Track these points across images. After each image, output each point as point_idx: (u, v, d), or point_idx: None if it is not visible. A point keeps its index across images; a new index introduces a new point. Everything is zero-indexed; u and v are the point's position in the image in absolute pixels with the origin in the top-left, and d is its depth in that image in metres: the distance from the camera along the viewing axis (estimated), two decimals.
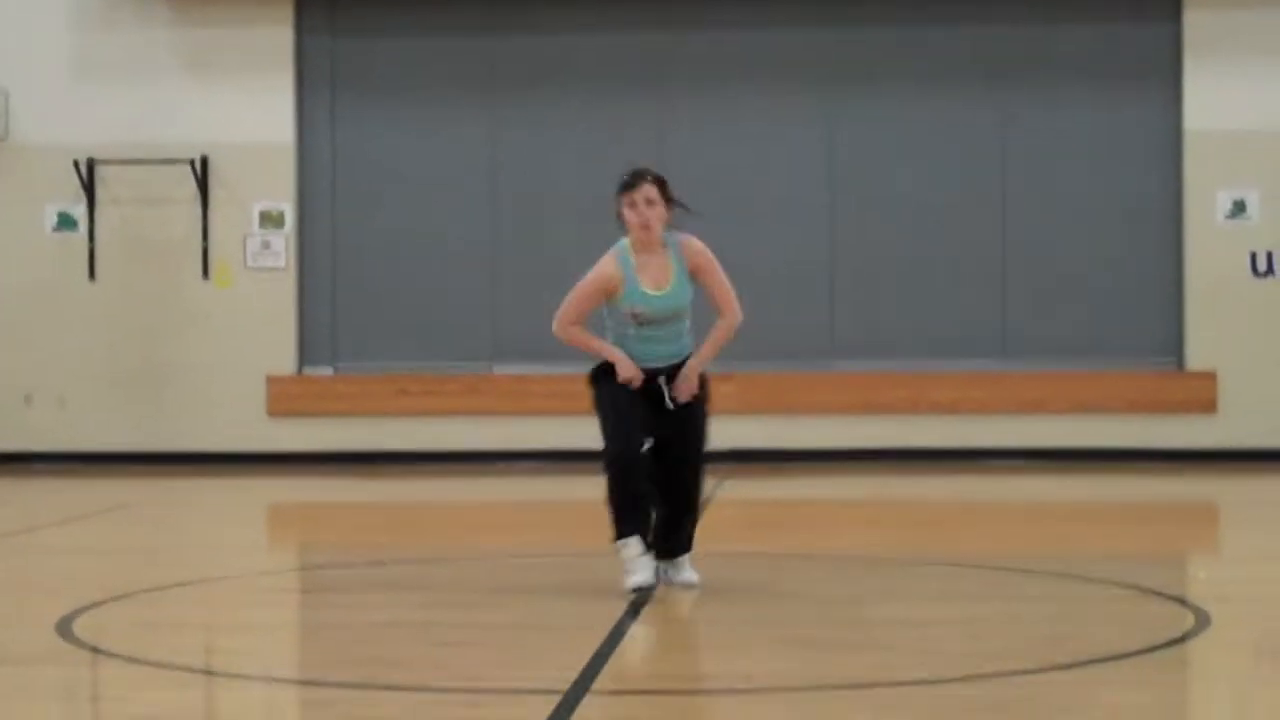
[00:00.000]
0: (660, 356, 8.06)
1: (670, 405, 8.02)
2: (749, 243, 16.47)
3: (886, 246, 16.73)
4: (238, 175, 16.83)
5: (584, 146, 16.71)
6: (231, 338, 16.76)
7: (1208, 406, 16.40)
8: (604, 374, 8.08)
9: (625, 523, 7.94)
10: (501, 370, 16.81)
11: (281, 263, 16.89)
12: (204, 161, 16.76)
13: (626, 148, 15.86)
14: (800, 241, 16.78)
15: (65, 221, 16.92)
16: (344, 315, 17.00)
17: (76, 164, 16.72)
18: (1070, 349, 16.63)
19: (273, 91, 16.87)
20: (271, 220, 16.90)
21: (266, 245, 16.90)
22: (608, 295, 8.01)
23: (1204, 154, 16.44)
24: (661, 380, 8.03)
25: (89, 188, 16.79)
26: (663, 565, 8.12)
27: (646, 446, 8.00)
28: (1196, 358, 16.48)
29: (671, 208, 8.02)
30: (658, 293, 7.98)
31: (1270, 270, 16.44)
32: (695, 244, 8.07)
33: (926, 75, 16.77)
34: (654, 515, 8.05)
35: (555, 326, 8.10)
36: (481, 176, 16.98)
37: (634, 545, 7.93)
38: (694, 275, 8.04)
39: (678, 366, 8.08)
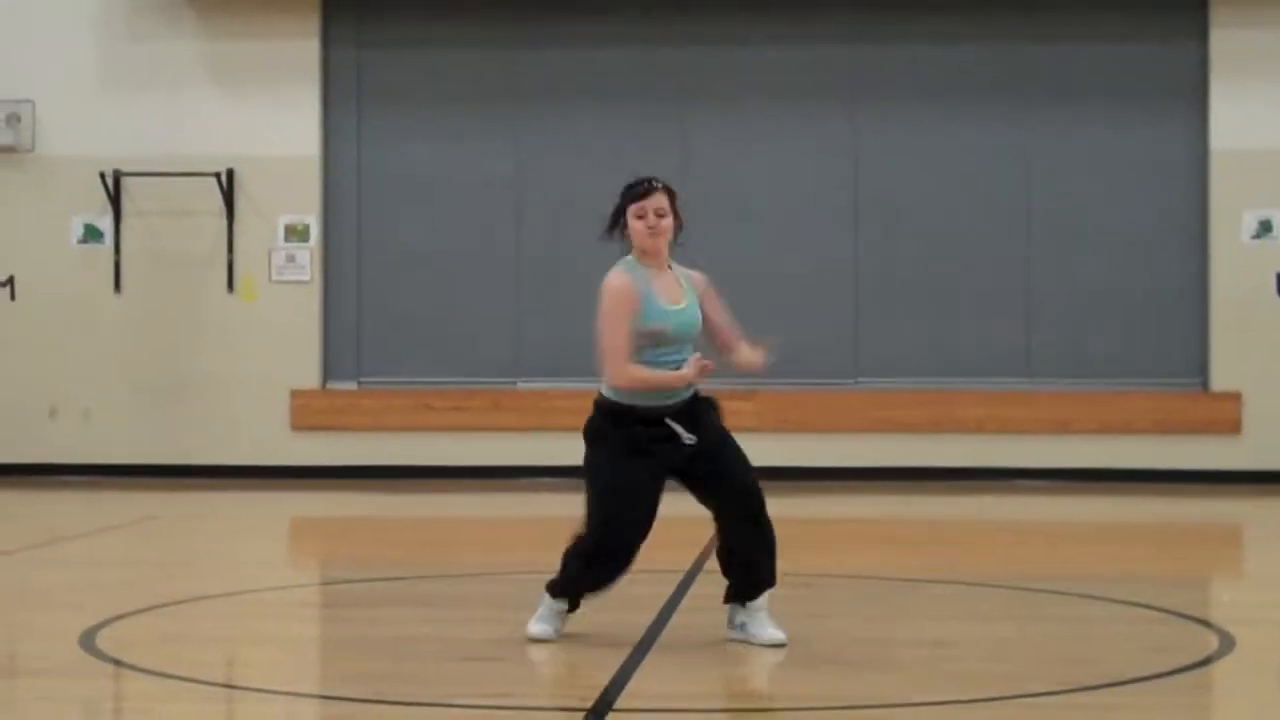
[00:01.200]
0: (676, 390, 7.25)
1: (688, 441, 7.21)
2: (772, 259, 16.49)
3: (911, 265, 16.70)
4: (263, 188, 16.86)
5: (609, 160, 16.65)
6: (256, 351, 16.78)
7: (1232, 427, 16.34)
8: (608, 431, 7.29)
9: (572, 593, 7.43)
10: (525, 385, 16.80)
11: (306, 276, 16.91)
12: (229, 174, 16.80)
13: (651, 162, 15.69)
14: (824, 259, 16.75)
15: (91, 233, 16.96)
16: (368, 329, 17.01)
17: (103, 176, 16.76)
18: (1095, 369, 16.58)
19: (298, 104, 16.90)
20: (296, 233, 16.93)
21: (291, 259, 16.92)
22: (634, 314, 7.17)
23: (1230, 173, 16.39)
24: (671, 422, 7.22)
25: (115, 200, 16.83)
26: (740, 617, 7.33)
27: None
28: (1221, 378, 16.43)
29: (679, 224, 7.33)
30: (676, 307, 7.25)
31: None
32: (701, 276, 7.45)
33: (952, 94, 16.75)
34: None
35: (613, 376, 7.20)
36: (507, 190, 16.98)
37: (562, 604, 7.43)
38: (702, 305, 7.36)
39: (686, 406, 7.28)
